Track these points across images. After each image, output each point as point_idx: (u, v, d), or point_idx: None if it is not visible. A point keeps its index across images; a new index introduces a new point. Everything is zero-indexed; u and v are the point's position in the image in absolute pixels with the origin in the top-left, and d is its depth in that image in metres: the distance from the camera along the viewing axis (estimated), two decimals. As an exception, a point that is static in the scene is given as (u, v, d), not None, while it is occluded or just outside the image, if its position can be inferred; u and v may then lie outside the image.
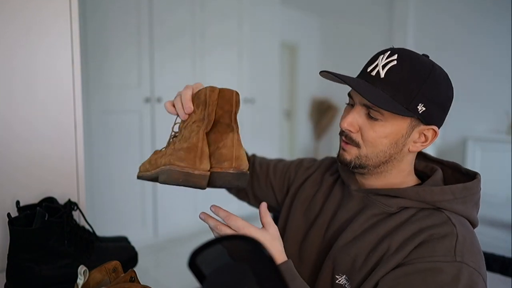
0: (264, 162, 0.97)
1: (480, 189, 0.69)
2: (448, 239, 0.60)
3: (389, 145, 0.67)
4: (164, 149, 0.72)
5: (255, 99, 3.42)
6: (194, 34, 2.89)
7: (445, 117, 0.69)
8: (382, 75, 0.64)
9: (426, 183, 0.70)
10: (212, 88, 0.66)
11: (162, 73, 2.72)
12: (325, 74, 0.68)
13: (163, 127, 2.76)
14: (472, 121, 3.59)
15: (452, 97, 0.69)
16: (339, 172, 0.81)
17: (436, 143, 3.71)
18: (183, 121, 0.70)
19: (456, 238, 0.60)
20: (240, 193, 1.00)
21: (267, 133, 3.64)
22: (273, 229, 0.64)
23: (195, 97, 0.69)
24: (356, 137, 0.68)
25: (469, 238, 0.62)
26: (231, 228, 0.61)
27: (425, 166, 0.77)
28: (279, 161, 0.97)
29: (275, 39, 3.64)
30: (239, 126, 0.68)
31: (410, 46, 4.02)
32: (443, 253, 0.59)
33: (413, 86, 0.63)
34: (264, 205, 0.64)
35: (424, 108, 0.64)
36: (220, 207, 0.65)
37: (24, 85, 0.87)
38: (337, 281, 0.67)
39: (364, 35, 4.44)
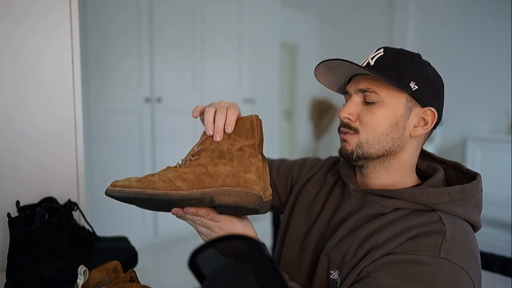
0: (268, 162, 0.97)
1: (481, 190, 0.68)
2: (434, 236, 0.60)
3: (389, 127, 0.67)
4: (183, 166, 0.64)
5: (255, 99, 3.42)
6: (194, 34, 2.89)
7: (441, 103, 0.70)
8: (372, 63, 0.69)
9: (425, 184, 0.69)
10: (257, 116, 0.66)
11: (162, 73, 2.72)
12: (320, 76, 0.73)
13: (163, 127, 2.76)
14: (472, 121, 3.59)
15: (443, 85, 0.71)
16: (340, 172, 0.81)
17: (436, 142, 3.72)
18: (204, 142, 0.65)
19: (443, 236, 0.59)
20: None
21: (267, 133, 3.61)
22: (245, 220, 0.66)
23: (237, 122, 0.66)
24: (354, 124, 0.70)
25: (459, 238, 0.60)
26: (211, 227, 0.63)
27: (428, 165, 0.76)
28: (282, 160, 0.97)
29: (275, 39, 3.64)
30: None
31: (410, 47, 4.02)
32: (427, 248, 0.58)
33: (402, 65, 0.67)
34: None
35: (416, 87, 0.66)
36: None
37: (24, 85, 0.87)
38: (331, 276, 0.68)
39: (364, 35, 4.44)
